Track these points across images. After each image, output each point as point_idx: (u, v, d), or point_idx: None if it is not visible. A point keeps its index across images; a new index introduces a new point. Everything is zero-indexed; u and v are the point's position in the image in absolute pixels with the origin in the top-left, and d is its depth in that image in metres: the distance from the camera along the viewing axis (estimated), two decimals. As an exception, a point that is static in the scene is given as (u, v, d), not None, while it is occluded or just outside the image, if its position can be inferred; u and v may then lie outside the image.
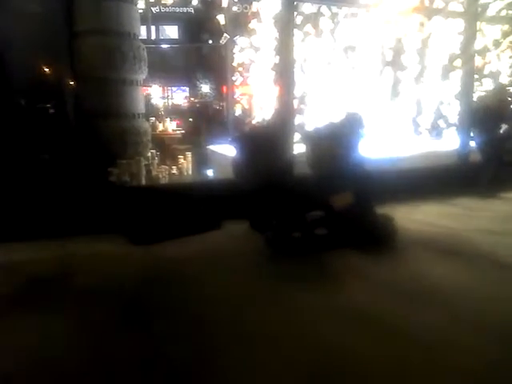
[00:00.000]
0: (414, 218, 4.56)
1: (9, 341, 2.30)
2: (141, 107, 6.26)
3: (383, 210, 3.89)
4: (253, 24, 7.31)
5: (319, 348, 2.18)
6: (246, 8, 7.62)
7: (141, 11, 7.87)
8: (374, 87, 7.16)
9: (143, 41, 6.37)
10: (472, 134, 5.89)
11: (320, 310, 2.59)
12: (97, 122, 5.46)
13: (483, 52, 7.48)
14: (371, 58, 7.09)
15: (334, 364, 2.05)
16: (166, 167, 6.36)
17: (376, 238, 3.64)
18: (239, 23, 7.94)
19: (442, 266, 3.30)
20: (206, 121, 9.50)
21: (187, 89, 20.36)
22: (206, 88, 20.36)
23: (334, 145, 3.89)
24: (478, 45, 6.50)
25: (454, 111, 7.32)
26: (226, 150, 6.11)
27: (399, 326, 2.38)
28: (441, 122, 7.74)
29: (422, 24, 7.19)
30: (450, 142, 6.78)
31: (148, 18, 9.72)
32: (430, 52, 7.43)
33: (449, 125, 7.61)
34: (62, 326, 2.43)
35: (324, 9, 6.76)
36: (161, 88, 18.68)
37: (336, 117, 5.01)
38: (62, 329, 2.40)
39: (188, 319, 2.51)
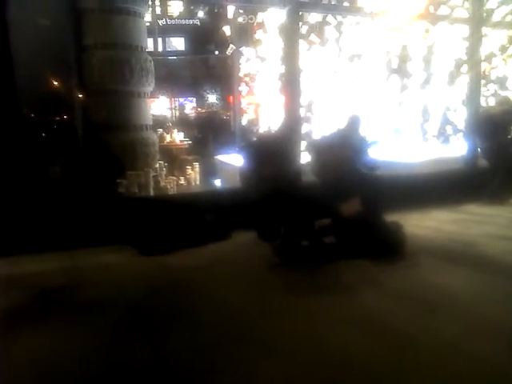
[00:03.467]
0: (424, 224, 4.56)
1: (23, 350, 2.31)
2: (149, 119, 6.33)
3: (393, 216, 3.87)
4: (258, 34, 7.35)
5: (334, 356, 2.17)
6: (251, 19, 7.67)
7: (148, 24, 7.98)
8: (380, 95, 7.15)
9: (150, 53, 6.46)
10: (477, 142, 5.89)
11: (333, 318, 2.57)
12: (105, 134, 5.52)
13: (489, 57, 7.46)
14: (377, 66, 7.10)
15: (349, 372, 2.03)
16: (174, 178, 6.39)
17: (385, 245, 3.62)
18: (245, 34, 7.99)
19: (452, 272, 3.28)
20: (213, 131, 9.54)
21: (194, 99, 20.55)
22: (212, 98, 20.55)
23: (339, 152, 3.89)
24: (484, 50, 6.49)
25: (460, 117, 7.29)
26: (234, 159, 6.13)
27: (412, 333, 2.36)
28: (448, 128, 7.71)
29: (427, 31, 7.19)
30: (457, 148, 6.75)
31: (155, 31, 9.83)
32: (435, 58, 7.43)
33: (456, 131, 7.58)
34: (72, 336, 2.44)
35: (329, 18, 6.79)
36: (168, 99, 18.86)
37: (341, 124, 5.01)
38: (72, 339, 2.40)
39: (197, 329, 2.50)
